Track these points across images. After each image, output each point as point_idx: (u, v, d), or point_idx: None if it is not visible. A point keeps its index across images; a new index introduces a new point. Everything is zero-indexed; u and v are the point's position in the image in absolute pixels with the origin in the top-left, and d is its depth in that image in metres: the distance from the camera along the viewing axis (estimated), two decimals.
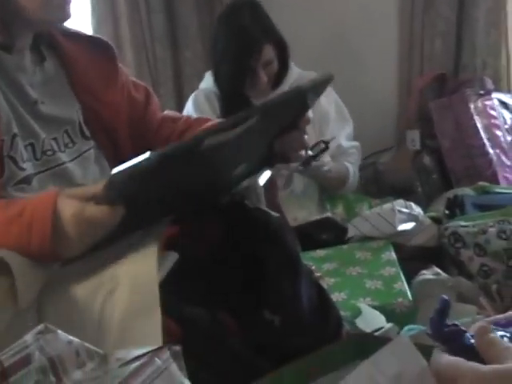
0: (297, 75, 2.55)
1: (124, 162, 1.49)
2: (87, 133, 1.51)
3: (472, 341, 0.70)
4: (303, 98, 1.40)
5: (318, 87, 1.45)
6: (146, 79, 3.00)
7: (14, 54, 1.40)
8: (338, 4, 3.11)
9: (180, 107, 3.04)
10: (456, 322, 0.73)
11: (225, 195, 1.44)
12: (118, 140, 1.56)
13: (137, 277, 1.09)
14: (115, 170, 0.98)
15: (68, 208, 1.06)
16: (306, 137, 1.53)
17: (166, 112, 1.76)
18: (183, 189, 1.22)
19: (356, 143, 2.63)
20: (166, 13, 3.01)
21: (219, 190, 1.43)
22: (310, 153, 2.09)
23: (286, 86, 2.52)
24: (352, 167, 2.56)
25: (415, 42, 3.08)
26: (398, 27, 3.12)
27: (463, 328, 0.72)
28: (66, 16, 1.40)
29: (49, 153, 1.41)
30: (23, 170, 1.35)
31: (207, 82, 2.59)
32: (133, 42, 3.02)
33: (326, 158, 2.39)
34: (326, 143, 2.16)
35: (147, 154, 0.99)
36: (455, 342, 0.71)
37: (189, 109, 2.55)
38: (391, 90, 3.20)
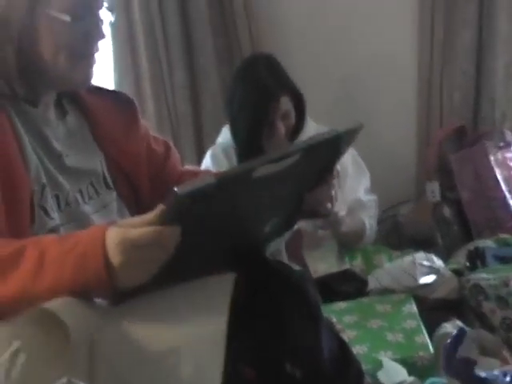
0: (314, 130, 2.56)
1: (144, 211, 1.52)
2: (110, 183, 1.54)
3: (483, 374, 0.68)
4: (338, 143, 1.42)
5: (350, 135, 1.46)
6: (166, 132, 3.04)
7: (39, 108, 1.43)
8: (356, 57, 3.14)
9: (201, 159, 3.05)
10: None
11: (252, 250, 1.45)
12: (139, 190, 1.59)
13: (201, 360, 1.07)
14: (179, 189, 0.98)
15: (114, 236, 1.05)
16: (333, 191, 1.55)
17: (186, 166, 1.79)
18: (229, 223, 1.22)
19: (374, 197, 2.63)
20: (186, 67, 3.05)
21: (249, 244, 1.44)
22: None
23: (302, 138, 2.52)
24: (369, 221, 2.55)
25: (434, 94, 3.09)
26: (417, 79, 3.14)
27: (473, 358, 0.71)
28: (89, 79, 1.45)
29: (73, 205, 1.43)
30: (53, 219, 1.37)
31: (224, 136, 2.60)
32: (154, 96, 3.07)
33: (342, 211, 2.38)
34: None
35: (209, 177, 1.00)
36: (466, 374, 0.70)
37: (207, 163, 2.57)
38: (410, 142, 3.21)
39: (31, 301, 1.07)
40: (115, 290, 1.08)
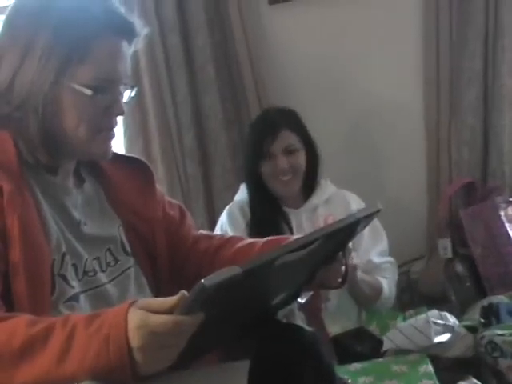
0: (333, 191, 2.59)
1: (162, 277, 1.51)
2: (128, 249, 1.55)
3: None
4: (355, 226, 1.46)
5: (368, 217, 1.50)
6: (177, 194, 3.06)
7: (59, 177, 1.46)
8: (363, 114, 3.17)
9: (211, 221, 3.07)
10: None
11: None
12: (157, 255, 1.60)
13: None
14: (206, 281, 0.99)
15: (135, 320, 1.05)
16: (342, 268, 1.59)
17: (200, 231, 1.79)
18: (245, 303, 1.24)
19: (390, 258, 2.61)
20: (195, 130, 3.08)
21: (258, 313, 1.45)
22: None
23: (320, 199, 2.56)
24: (386, 282, 2.53)
25: (442, 150, 3.10)
26: (425, 136, 3.15)
27: None
28: (108, 152, 1.48)
29: (90, 274, 1.44)
30: (73, 287, 1.38)
31: (242, 193, 2.64)
32: (164, 159, 3.10)
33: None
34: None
35: (235, 268, 1.02)
36: None
37: (223, 220, 2.59)
38: (420, 198, 3.21)
39: (52, 383, 1.07)
40: (137, 375, 1.07)
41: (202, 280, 0.99)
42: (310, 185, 2.58)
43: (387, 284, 2.52)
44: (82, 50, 1.35)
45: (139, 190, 1.60)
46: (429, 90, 3.10)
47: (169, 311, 1.04)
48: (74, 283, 1.39)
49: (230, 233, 2.50)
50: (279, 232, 2.45)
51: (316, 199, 2.56)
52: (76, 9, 1.38)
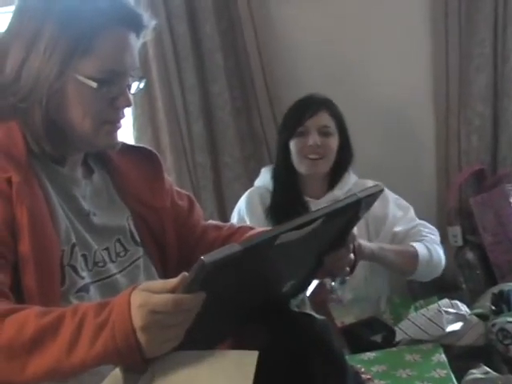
0: (353, 182, 2.58)
1: (171, 267, 1.52)
2: (138, 239, 1.55)
3: None
4: (358, 207, 1.44)
5: (371, 198, 1.48)
6: (186, 185, 3.06)
7: (67, 168, 1.46)
8: (372, 104, 3.16)
9: (221, 211, 3.07)
10: None
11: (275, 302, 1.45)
12: (166, 245, 1.60)
13: None
14: (205, 257, 0.99)
15: (136, 300, 1.05)
16: (351, 255, 1.58)
17: (209, 221, 1.80)
18: (250, 285, 1.24)
19: (418, 221, 2.53)
20: (204, 120, 3.07)
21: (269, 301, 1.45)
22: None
23: (342, 191, 2.54)
24: (420, 244, 2.40)
25: (452, 138, 3.10)
26: (435, 124, 3.15)
27: None
28: (115, 143, 1.48)
29: (100, 264, 1.45)
30: (83, 278, 1.39)
31: (263, 178, 2.63)
32: (172, 149, 3.10)
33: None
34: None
35: (235, 245, 1.02)
36: None
37: (241, 206, 2.57)
38: (430, 186, 3.20)
39: (62, 372, 1.09)
40: (146, 357, 1.08)
41: (202, 257, 0.99)
42: (335, 176, 2.56)
43: (421, 246, 2.39)
44: (86, 41, 1.35)
45: (148, 180, 1.60)
46: (438, 77, 3.09)
47: (170, 291, 1.05)
48: (84, 274, 1.39)
49: (247, 219, 2.49)
50: None
51: (337, 190, 2.54)
52: (82, 1, 1.37)
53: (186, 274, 1.05)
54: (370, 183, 2.52)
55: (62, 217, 1.39)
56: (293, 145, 2.50)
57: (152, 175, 1.61)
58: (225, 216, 2.76)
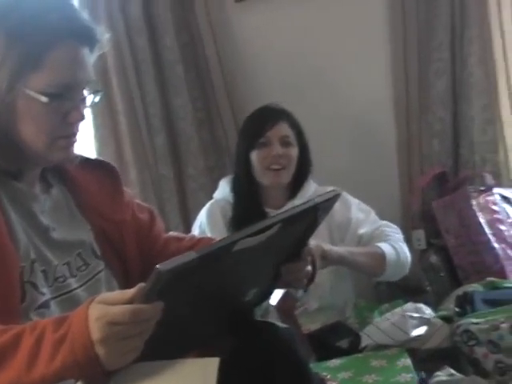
0: (313, 190, 2.58)
1: (133, 280, 1.52)
2: (99, 252, 1.55)
3: None
4: (315, 212, 1.45)
5: (328, 203, 1.50)
6: (150, 197, 3.05)
7: (24, 183, 1.45)
8: (333, 110, 3.18)
9: (185, 222, 3.07)
10: None
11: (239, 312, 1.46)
12: (127, 258, 1.59)
13: None
14: (161, 266, 1.00)
15: (94, 313, 1.05)
16: (308, 268, 1.60)
17: (170, 233, 1.80)
18: (211, 293, 1.25)
19: (381, 222, 2.54)
20: (166, 132, 3.07)
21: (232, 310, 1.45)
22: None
23: (303, 200, 2.48)
24: (385, 245, 2.39)
25: (413, 143, 3.12)
26: (396, 129, 3.17)
27: None
28: (70, 157, 1.47)
29: (60, 279, 1.43)
30: (43, 294, 1.37)
31: (222, 190, 2.61)
32: (136, 162, 3.09)
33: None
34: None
35: (191, 253, 1.03)
36: None
37: (202, 219, 2.56)
38: (393, 191, 3.22)
39: None
40: (106, 370, 1.07)
41: (157, 266, 0.99)
42: (295, 186, 2.56)
43: (387, 246, 2.39)
44: (36, 56, 1.33)
45: (107, 194, 1.60)
46: (398, 82, 3.12)
47: (128, 302, 1.05)
48: (45, 290, 1.38)
49: (209, 232, 2.48)
50: None
51: (298, 200, 2.52)
52: (32, 16, 1.35)
53: (142, 284, 1.05)
54: (329, 189, 2.55)
55: (21, 233, 1.38)
56: (254, 156, 2.48)
57: (111, 188, 1.61)
58: (190, 227, 2.75)
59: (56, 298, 1.41)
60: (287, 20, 3.13)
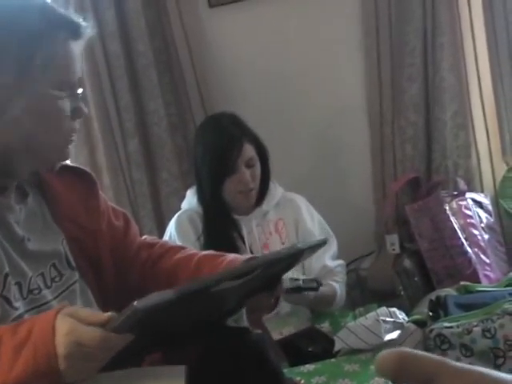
0: (280, 195, 2.58)
1: (108, 289, 1.50)
2: (73, 263, 1.52)
3: None
4: (299, 256, 1.46)
5: (312, 250, 1.50)
6: (123, 202, 3.04)
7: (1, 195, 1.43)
8: (306, 115, 3.18)
9: (160, 227, 3.06)
10: None
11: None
12: (102, 268, 1.57)
13: None
14: (138, 303, 1.00)
15: (63, 327, 1.05)
16: (273, 299, 1.60)
17: (144, 237, 1.78)
18: (181, 322, 1.27)
19: (341, 261, 2.61)
20: (140, 137, 3.06)
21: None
22: (300, 283, 2.14)
23: (270, 204, 2.55)
24: (339, 286, 2.51)
25: (386, 147, 3.14)
26: (369, 135, 3.19)
27: None
28: (67, 156, 1.47)
29: (35, 291, 1.41)
30: (16, 309, 1.35)
31: (189, 201, 2.59)
32: (109, 167, 3.07)
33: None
34: (319, 284, 2.19)
35: (168, 292, 1.04)
36: None
37: (171, 230, 2.54)
38: (367, 195, 3.24)
39: None
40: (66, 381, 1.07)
41: (135, 303, 1.00)
42: (261, 192, 2.54)
43: (340, 288, 2.51)
44: (43, 57, 1.34)
45: (82, 201, 1.57)
46: (371, 87, 3.14)
47: (98, 325, 1.05)
48: (18, 304, 1.36)
49: (179, 243, 2.45)
50: (230, 241, 2.46)
51: (265, 205, 2.54)
52: (11, 22, 1.34)
53: (115, 314, 1.06)
54: (296, 197, 2.62)
55: None
56: (226, 185, 2.45)
57: (87, 196, 1.59)
58: (164, 232, 2.73)
59: (30, 310, 1.39)
60: (260, 25, 3.13)
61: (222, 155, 2.42)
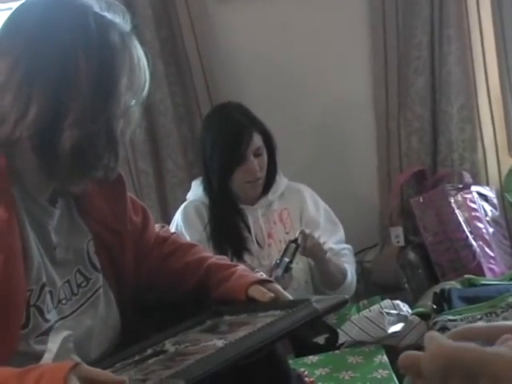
0: (286, 185, 2.59)
1: (125, 291, 1.53)
2: (97, 264, 1.51)
3: None
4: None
5: (331, 310, 1.41)
6: (129, 191, 3.03)
7: (42, 197, 1.41)
8: (313, 107, 3.18)
9: (165, 217, 3.07)
10: None
11: None
12: (124, 268, 1.56)
13: None
14: None
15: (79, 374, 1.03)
16: None
17: (157, 230, 1.74)
18: None
19: (347, 245, 2.63)
20: (146, 126, 3.06)
21: None
22: (286, 259, 2.14)
23: (275, 195, 2.55)
24: (349, 267, 2.53)
25: (392, 140, 3.14)
26: (375, 128, 3.18)
27: None
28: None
29: (63, 302, 1.40)
30: (48, 321, 1.34)
31: (195, 192, 2.59)
32: None
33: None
34: (295, 242, 2.20)
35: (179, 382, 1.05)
36: None
37: (177, 221, 2.55)
38: (372, 188, 3.23)
39: None
40: None
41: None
42: (267, 182, 2.54)
43: (349, 269, 2.53)
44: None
45: (111, 202, 1.54)
46: (377, 80, 3.13)
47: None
48: (50, 316, 1.34)
49: (186, 234, 2.46)
50: (236, 230, 2.48)
51: (271, 195, 2.54)
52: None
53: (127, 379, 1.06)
54: (301, 186, 2.63)
55: (36, 254, 1.34)
56: (235, 175, 2.45)
57: (115, 196, 1.55)
58: (169, 222, 2.73)
59: (58, 321, 1.38)
60: (267, 16, 3.12)
61: (232, 146, 2.42)
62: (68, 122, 1.30)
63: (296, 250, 2.25)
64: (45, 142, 1.31)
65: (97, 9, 1.38)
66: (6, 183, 1.29)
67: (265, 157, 2.49)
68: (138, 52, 1.43)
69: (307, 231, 2.32)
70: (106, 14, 1.38)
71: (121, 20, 1.41)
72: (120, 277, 1.55)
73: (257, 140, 2.45)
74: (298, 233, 2.31)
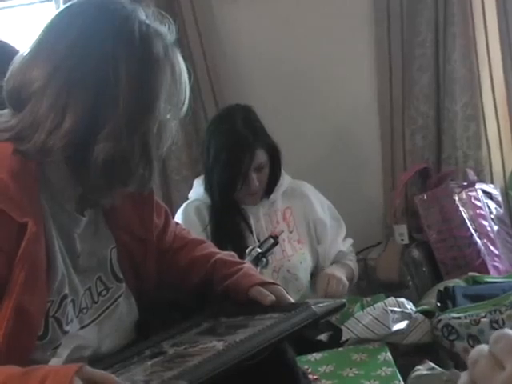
0: (288, 183, 2.58)
1: (145, 295, 1.52)
2: (119, 274, 1.50)
3: None
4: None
5: (330, 314, 1.45)
6: None
7: (70, 204, 1.40)
8: (317, 105, 3.18)
9: (170, 212, 3.07)
10: None
11: None
12: (145, 275, 1.55)
13: None
14: None
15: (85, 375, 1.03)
16: None
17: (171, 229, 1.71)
18: None
19: (350, 240, 2.69)
20: None
21: None
22: (258, 250, 2.13)
23: (277, 194, 2.54)
24: (353, 264, 2.66)
25: (396, 138, 3.14)
26: (379, 125, 3.18)
27: None
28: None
29: (84, 310, 1.40)
30: (65, 332, 1.33)
31: (197, 191, 2.58)
32: None
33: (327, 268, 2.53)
34: (275, 238, 2.19)
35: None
36: None
37: (178, 220, 2.49)
38: (376, 186, 3.24)
39: None
40: None
41: None
42: (270, 185, 2.53)
43: (354, 265, 2.66)
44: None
45: (138, 210, 1.52)
46: (381, 78, 3.13)
47: None
48: (68, 327, 1.34)
49: None
50: (238, 230, 2.47)
51: (273, 194, 2.53)
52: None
53: None
54: (304, 185, 2.62)
55: (60, 264, 1.33)
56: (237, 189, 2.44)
57: (142, 204, 1.53)
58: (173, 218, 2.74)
59: (79, 330, 1.38)
60: (273, 16, 3.12)
61: (233, 165, 2.39)
62: (103, 134, 1.28)
63: (273, 246, 2.20)
64: (77, 154, 1.29)
65: (143, 17, 1.36)
66: (35, 191, 1.28)
67: (266, 170, 2.46)
68: (181, 66, 1.41)
69: (337, 275, 2.47)
70: (151, 23, 1.36)
71: (166, 30, 1.39)
72: (142, 282, 1.54)
73: (260, 156, 2.41)
74: (280, 232, 2.31)
